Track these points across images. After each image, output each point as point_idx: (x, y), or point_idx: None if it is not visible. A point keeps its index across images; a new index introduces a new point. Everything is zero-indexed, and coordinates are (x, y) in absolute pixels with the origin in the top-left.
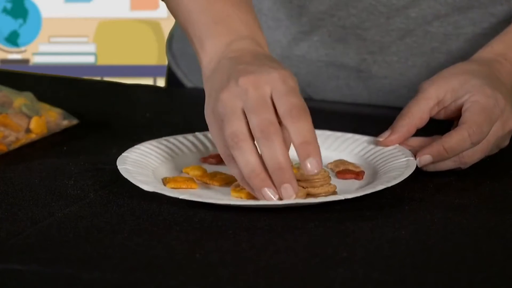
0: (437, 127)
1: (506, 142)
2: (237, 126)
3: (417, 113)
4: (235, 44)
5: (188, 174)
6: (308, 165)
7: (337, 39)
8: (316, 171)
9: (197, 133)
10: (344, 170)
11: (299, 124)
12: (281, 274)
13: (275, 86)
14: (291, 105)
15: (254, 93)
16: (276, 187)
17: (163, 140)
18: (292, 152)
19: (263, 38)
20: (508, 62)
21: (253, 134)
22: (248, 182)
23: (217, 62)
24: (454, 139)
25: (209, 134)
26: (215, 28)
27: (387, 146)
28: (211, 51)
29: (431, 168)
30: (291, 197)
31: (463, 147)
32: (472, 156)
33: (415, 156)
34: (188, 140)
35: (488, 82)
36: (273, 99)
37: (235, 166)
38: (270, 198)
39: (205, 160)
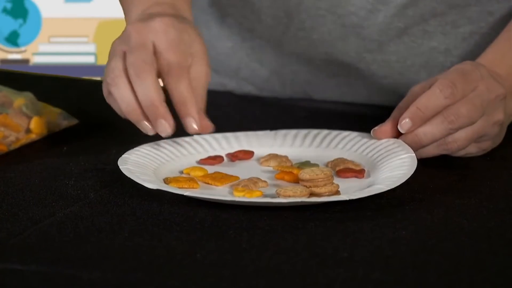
0: None
1: (500, 138)
2: (115, 63)
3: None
4: (150, 9)
5: (189, 174)
6: (187, 123)
7: (336, 37)
8: (195, 127)
9: (195, 136)
10: (344, 169)
11: (177, 84)
12: (281, 274)
13: (157, 35)
14: (167, 64)
15: (135, 37)
16: (152, 123)
17: (162, 142)
18: (293, 152)
19: (185, 5)
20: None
21: (128, 73)
22: (127, 116)
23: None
24: (425, 96)
25: (206, 136)
26: None
27: (380, 137)
28: (131, 18)
29: (417, 156)
30: (167, 131)
31: (435, 103)
32: (456, 141)
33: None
34: (186, 142)
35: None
36: (155, 50)
37: (114, 102)
38: (148, 130)
39: (204, 161)
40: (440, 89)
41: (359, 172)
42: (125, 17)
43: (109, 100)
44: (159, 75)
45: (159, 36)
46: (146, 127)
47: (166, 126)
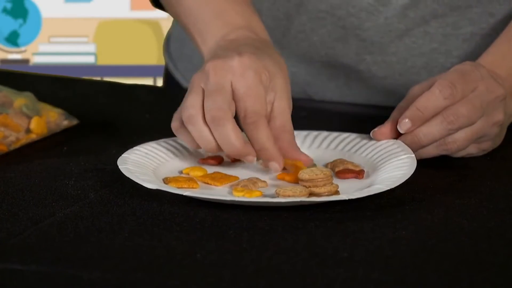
0: None
1: (501, 139)
2: (192, 100)
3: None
4: (230, 35)
5: (188, 174)
6: (271, 166)
7: (336, 38)
8: (279, 168)
9: None
10: (344, 170)
11: (255, 132)
12: (281, 274)
13: (234, 78)
14: (245, 111)
15: (213, 77)
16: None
17: (161, 141)
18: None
19: (259, 26)
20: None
21: (205, 117)
22: (204, 148)
23: (211, 53)
24: (424, 97)
25: None
26: (213, 22)
27: (379, 139)
28: (210, 44)
29: (417, 156)
30: (277, 171)
31: (435, 104)
32: (456, 141)
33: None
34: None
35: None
36: (234, 94)
37: (187, 136)
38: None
39: (203, 161)
40: (439, 89)
41: (358, 173)
42: (194, 38)
43: (178, 133)
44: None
45: (237, 79)
46: (251, 159)
47: (276, 167)
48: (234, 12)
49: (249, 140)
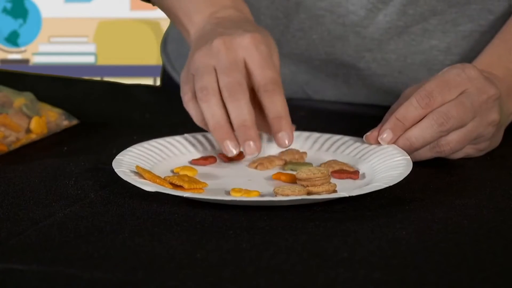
0: None
1: (499, 138)
2: (208, 80)
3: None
4: (219, 13)
5: (178, 173)
6: (280, 138)
7: (336, 36)
8: (287, 143)
9: (186, 135)
10: (339, 170)
11: (273, 99)
12: (281, 274)
13: (248, 52)
14: (265, 78)
15: (226, 54)
16: (240, 143)
17: (153, 142)
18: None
19: (245, 8)
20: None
21: (222, 93)
22: (212, 133)
23: (201, 29)
24: (402, 107)
25: (199, 135)
26: (201, 3)
27: (372, 143)
28: (198, 22)
29: (412, 159)
30: (254, 153)
31: (413, 113)
32: (449, 143)
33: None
34: (177, 141)
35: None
36: (247, 67)
37: (197, 112)
38: (230, 151)
39: (196, 162)
40: (417, 99)
41: (353, 174)
42: (182, 22)
43: (188, 107)
44: (251, 92)
45: (250, 53)
46: (228, 148)
47: (254, 149)
48: None
49: (265, 108)
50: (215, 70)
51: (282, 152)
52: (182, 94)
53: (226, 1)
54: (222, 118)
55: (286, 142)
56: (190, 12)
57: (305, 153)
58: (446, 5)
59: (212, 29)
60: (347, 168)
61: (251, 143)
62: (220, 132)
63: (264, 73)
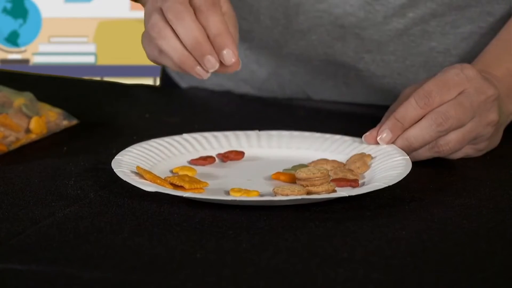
0: None
1: (498, 138)
2: (155, 19)
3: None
4: None
5: (178, 173)
6: (225, 55)
7: (335, 37)
8: (233, 60)
9: (185, 135)
10: (339, 178)
11: (210, 18)
12: (281, 274)
13: None
14: (199, 1)
15: None
16: (199, 61)
17: (151, 142)
18: (292, 153)
19: None
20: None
21: (167, 20)
22: (183, 68)
23: None
24: (401, 107)
25: (198, 136)
26: None
27: (371, 143)
28: None
29: (412, 159)
30: (214, 66)
31: (412, 113)
32: (448, 143)
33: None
34: (177, 141)
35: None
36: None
37: (166, 58)
38: (203, 73)
39: (194, 162)
40: (415, 99)
41: (353, 182)
42: None
43: (160, 59)
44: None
45: None
46: (201, 72)
47: (213, 61)
48: None
49: (205, 28)
50: (161, 9)
51: (353, 156)
52: (148, 55)
53: None
54: (181, 47)
55: (232, 58)
56: None
57: (369, 155)
58: (446, 7)
59: None
60: (351, 177)
61: (209, 57)
62: (186, 63)
63: None
